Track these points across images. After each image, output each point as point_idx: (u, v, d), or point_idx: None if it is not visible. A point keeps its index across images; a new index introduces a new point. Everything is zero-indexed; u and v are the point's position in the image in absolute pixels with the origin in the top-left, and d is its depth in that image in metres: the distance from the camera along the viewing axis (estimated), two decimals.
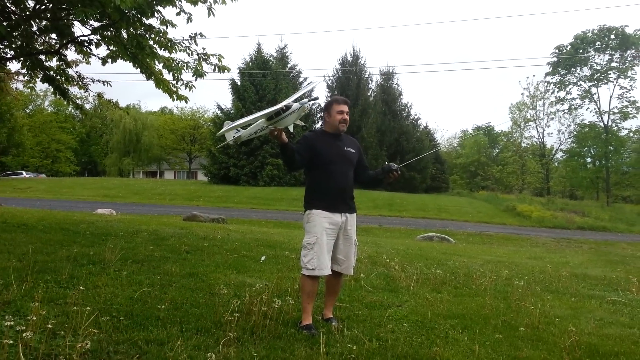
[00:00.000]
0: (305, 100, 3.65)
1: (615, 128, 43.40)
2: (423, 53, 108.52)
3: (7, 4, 6.95)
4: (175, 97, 7.74)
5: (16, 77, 10.05)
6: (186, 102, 8.01)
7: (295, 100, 3.60)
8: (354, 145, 3.94)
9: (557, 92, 46.78)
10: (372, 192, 30.37)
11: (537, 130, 52.94)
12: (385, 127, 39.33)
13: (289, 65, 39.77)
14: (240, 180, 34.12)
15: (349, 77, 40.27)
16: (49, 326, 2.74)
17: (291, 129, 3.66)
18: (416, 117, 43.87)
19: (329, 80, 40.95)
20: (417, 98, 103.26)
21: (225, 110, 36.99)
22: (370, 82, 42.36)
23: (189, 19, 6.76)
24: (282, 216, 19.81)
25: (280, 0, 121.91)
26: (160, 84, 7.57)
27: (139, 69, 7.24)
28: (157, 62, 7.31)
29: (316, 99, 3.91)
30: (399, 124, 40.88)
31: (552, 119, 50.21)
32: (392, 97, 42.27)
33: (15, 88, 13.62)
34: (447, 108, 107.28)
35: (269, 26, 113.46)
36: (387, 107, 41.08)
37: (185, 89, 7.69)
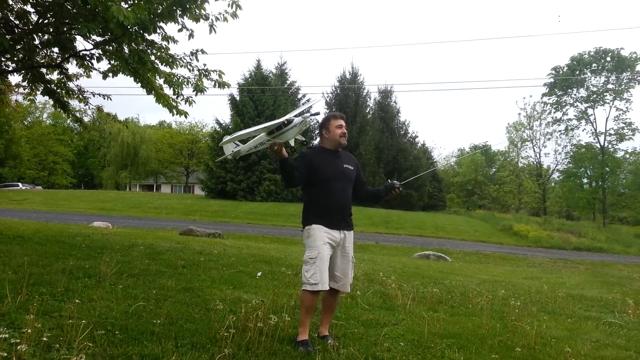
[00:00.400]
0: (307, 115, 3.67)
1: (612, 149, 43.65)
2: (421, 72, 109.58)
3: (11, 17, 7.02)
4: (175, 112, 7.78)
5: (16, 90, 10.10)
6: (186, 116, 8.05)
7: (296, 116, 3.62)
8: (351, 161, 3.95)
9: (554, 112, 47.17)
10: (369, 209, 30.37)
11: (534, 150, 53.26)
12: (383, 145, 39.50)
13: (288, 82, 40.01)
14: (238, 195, 34.06)
15: (348, 95, 40.53)
16: (44, 339, 2.73)
17: (292, 143, 3.68)
18: (414, 135, 44.23)
19: (328, 97, 41.24)
20: (415, 116, 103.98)
21: (223, 125, 37.10)
22: (368, 99, 42.67)
23: (191, 35, 6.83)
24: (279, 232, 19.76)
25: (280, 17, 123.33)
26: (161, 98, 7.61)
27: (139, 84, 7.28)
28: (158, 77, 7.37)
29: (317, 114, 3.94)
30: (397, 141, 41.08)
31: (549, 139, 50.61)
32: (390, 114, 42.53)
33: (15, 100, 13.65)
34: (444, 127, 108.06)
35: (269, 43, 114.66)
36: (385, 124, 41.32)
37: (185, 104, 7.73)
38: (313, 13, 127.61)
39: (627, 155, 44.74)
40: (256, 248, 10.10)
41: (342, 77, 41.48)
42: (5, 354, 2.50)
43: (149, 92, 7.58)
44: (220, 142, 3.92)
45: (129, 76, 7.15)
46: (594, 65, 43.09)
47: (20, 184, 47.77)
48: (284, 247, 11.69)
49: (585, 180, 45.72)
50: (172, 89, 7.39)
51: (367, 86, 42.35)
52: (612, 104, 43.11)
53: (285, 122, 3.57)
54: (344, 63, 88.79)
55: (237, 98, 36.30)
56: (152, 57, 7.07)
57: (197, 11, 6.46)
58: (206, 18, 6.61)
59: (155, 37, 6.96)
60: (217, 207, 29.19)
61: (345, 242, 3.74)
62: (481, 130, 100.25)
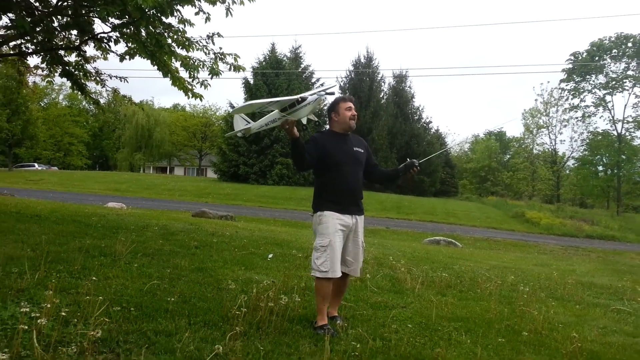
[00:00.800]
0: (322, 93, 3.66)
1: (629, 137, 42.96)
2: (436, 57, 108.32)
3: (32, 0, 7.09)
4: (191, 95, 7.86)
5: (35, 71, 10.24)
6: (201, 99, 8.12)
7: (310, 95, 3.60)
8: (362, 144, 3.93)
9: (571, 99, 46.43)
10: (380, 194, 30.38)
11: (550, 137, 52.57)
12: (397, 130, 39.31)
13: (302, 66, 39.85)
14: (250, 178, 34.28)
15: (362, 79, 40.28)
16: (63, 314, 2.83)
17: (304, 121, 3.67)
18: (427, 120, 43.89)
19: (342, 81, 41.06)
20: (429, 102, 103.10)
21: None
22: (382, 84, 42.39)
23: (208, 19, 6.85)
24: (290, 215, 19.89)
25: (296, 1, 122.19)
26: (177, 81, 7.69)
27: (156, 67, 7.34)
28: (174, 60, 7.43)
29: (332, 93, 3.91)
30: (410, 127, 40.85)
31: (565, 126, 49.82)
32: (404, 99, 42.25)
33: (33, 82, 13.82)
34: (458, 112, 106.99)
35: (284, 26, 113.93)
36: (398, 109, 41.06)
37: (201, 87, 7.79)
38: None
39: None
40: (267, 231, 10.21)
41: (357, 61, 41.22)
42: (26, 327, 2.61)
43: (165, 75, 7.66)
44: (232, 110, 3.88)
45: (146, 59, 7.22)
46: (614, 51, 42.20)
47: (36, 165, 48.47)
48: (295, 231, 11.80)
49: (600, 168, 45.15)
50: (188, 72, 7.45)
51: (381, 70, 42.28)
52: (632, 90, 42.33)
53: (300, 99, 3.57)
54: (359, 47, 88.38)
55: (251, 82, 36.31)
56: (169, 41, 7.12)
57: None
58: (223, 1, 6.62)
59: (172, 21, 7.01)
60: (230, 190, 29.41)
61: (357, 227, 3.75)
62: (496, 117, 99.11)
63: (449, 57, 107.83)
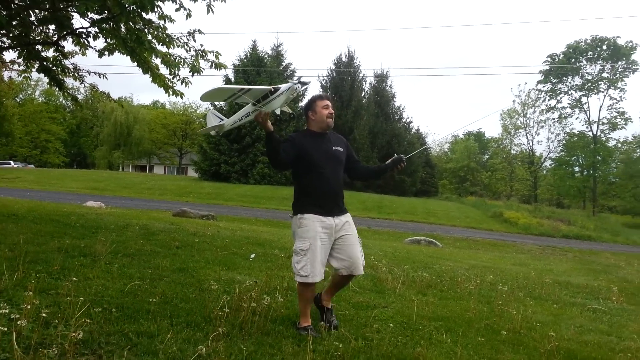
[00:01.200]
0: (295, 81, 3.63)
1: (604, 138, 43.97)
2: (417, 57, 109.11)
3: None
4: (171, 92, 7.78)
5: (11, 66, 10.02)
6: (182, 97, 8.05)
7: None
8: (341, 142, 3.84)
9: (548, 100, 47.34)
10: (362, 193, 30.51)
11: (527, 138, 53.53)
12: (378, 129, 39.51)
13: (284, 64, 39.76)
14: (231, 177, 34.08)
15: (343, 78, 40.37)
16: (43, 315, 2.79)
17: (278, 112, 3.62)
18: (408, 120, 44.24)
19: (323, 80, 41.06)
20: (410, 101, 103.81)
21: (218, 106, 36.93)
22: (364, 83, 42.54)
23: (189, 15, 6.79)
24: (272, 215, 19.85)
25: None
26: (157, 78, 7.60)
27: (135, 63, 7.25)
28: (154, 57, 7.34)
29: (308, 82, 3.85)
30: (391, 126, 41.12)
31: (542, 127, 50.94)
32: (385, 99, 42.49)
33: (9, 77, 13.53)
34: (438, 112, 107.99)
35: (265, 24, 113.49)
36: (379, 109, 41.29)
37: (182, 84, 7.73)
38: None
39: (619, 145, 45.12)
40: (249, 230, 10.17)
41: (339, 60, 41.27)
42: (5, 329, 2.56)
43: (145, 72, 7.56)
44: (200, 96, 3.65)
45: (125, 55, 7.12)
46: (589, 53, 43.20)
47: (12, 162, 47.43)
48: (276, 230, 11.78)
49: (576, 169, 46.14)
50: (168, 69, 7.38)
51: (363, 70, 42.22)
52: (606, 92, 43.34)
53: (272, 89, 3.52)
54: (340, 46, 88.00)
55: (232, 79, 36.10)
56: (150, 37, 7.04)
57: None
58: None
59: (152, 17, 6.92)
60: (211, 189, 29.20)
61: (342, 226, 3.65)
62: (476, 117, 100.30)
63: (430, 57, 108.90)
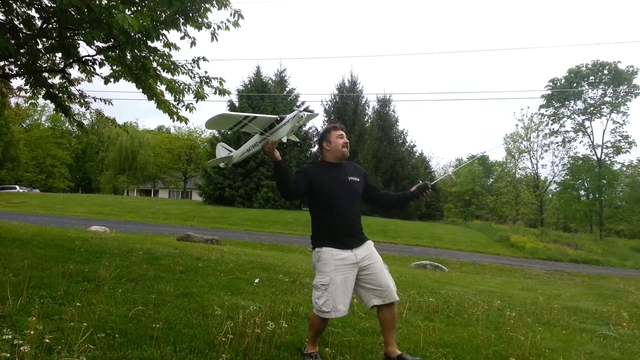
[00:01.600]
0: (301, 109, 3.64)
1: (609, 162, 43.86)
2: (420, 81, 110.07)
3: (16, 22, 7.09)
4: (176, 118, 7.87)
5: (18, 93, 10.16)
6: (186, 122, 8.15)
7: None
8: (358, 172, 3.74)
9: (551, 124, 47.42)
10: (366, 217, 30.37)
11: (531, 162, 53.48)
12: (381, 154, 39.65)
13: (287, 89, 40.19)
14: (235, 201, 34.12)
15: (346, 103, 40.72)
16: (46, 341, 2.76)
17: (284, 140, 3.62)
18: (412, 144, 44.45)
19: (327, 105, 41.44)
20: (413, 125, 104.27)
21: (222, 131, 37.22)
22: (367, 108, 42.89)
23: (193, 43, 6.90)
24: (276, 239, 19.78)
25: (281, 24, 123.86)
26: (162, 104, 7.70)
27: (141, 90, 7.35)
28: (159, 84, 7.45)
29: (311, 111, 3.83)
30: (395, 150, 41.27)
31: (546, 150, 50.85)
32: (388, 123, 42.75)
33: (16, 103, 13.72)
34: (442, 136, 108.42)
35: (269, 49, 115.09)
36: (383, 133, 41.49)
37: (186, 110, 7.81)
38: (314, 20, 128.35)
39: (624, 168, 44.99)
40: (253, 255, 10.12)
41: (342, 85, 41.73)
42: (8, 355, 2.54)
43: (150, 98, 7.66)
44: (205, 122, 3.58)
45: (131, 82, 7.23)
46: (591, 77, 43.42)
47: (18, 187, 47.70)
48: (281, 255, 11.72)
49: (582, 193, 45.92)
50: (173, 95, 7.47)
51: (366, 95, 42.70)
52: (609, 116, 43.40)
53: (278, 118, 3.53)
54: (343, 71, 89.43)
55: (237, 104, 36.46)
56: (155, 64, 7.15)
57: (200, 20, 6.53)
58: (208, 26, 6.68)
59: (157, 44, 7.05)
60: (215, 213, 29.20)
61: (366, 256, 3.52)
62: (479, 141, 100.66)
63: (432, 82, 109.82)
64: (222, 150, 4.14)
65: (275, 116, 3.56)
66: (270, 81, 38.58)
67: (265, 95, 35.97)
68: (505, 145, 53.64)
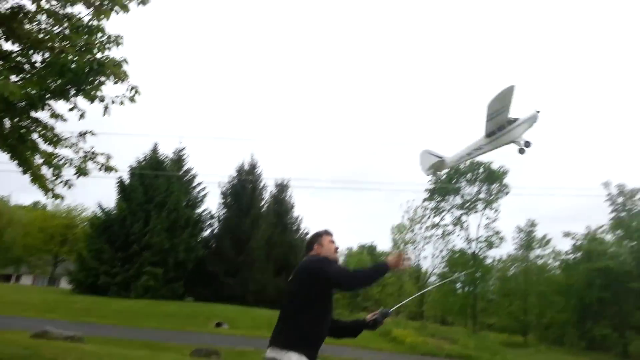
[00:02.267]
0: (535, 110, 3.44)
1: (482, 256, 47.39)
2: (316, 168, 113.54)
3: None
4: (51, 195, 7.17)
5: None
6: (62, 200, 7.47)
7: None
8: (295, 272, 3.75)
9: (433, 217, 50.74)
10: (253, 309, 29.30)
11: (414, 253, 56.10)
12: (275, 240, 39.21)
13: (184, 168, 39.15)
14: (110, 290, 31.01)
15: (244, 186, 40.44)
16: None
17: (521, 142, 3.36)
18: (305, 231, 44.57)
19: (224, 187, 40.61)
20: (308, 212, 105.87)
21: (106, 210, 34.81)
22: (264, 192, 42.81)
23: (82, 116, 6.51)
24: (150, 335, 17.97)
25: (180, 103, 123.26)
26: (37, 179, 7.00)
27: (16, 162, 6.67)
28: (37, 157, 6.83)
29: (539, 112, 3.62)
30: (288, 237, 41.09)
31: (428, 242, 53.79)
32: (284, 209, 42.76)
33: None
34: (333, 224, 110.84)
35: (169, 127, 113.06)
36: (278, 219, 41.29)
37: (64, 186, 7.17)
38: (218, 99, 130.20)
39: (495, 262, 48.79)
40: (120, 356, 9.00)
41: (241, 167, 41.42)
42: None
43: (24, 172, 6.96)
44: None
45: (5, 152, 6.55)
46: (468, 175, 47.90)
47: None
48: (152, 355, 10.58)
49: (458, 285, 48.62)
50: (51, 169, 6.85)
51: (264, 179, 42.74)
52: (483, 212, 47.61)
53: (511, 119, 3.30)
54: (243, 154, 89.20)
55: (127, 182, 34.69)
56: (35, 135, 6.59)
57: (93, 92, 6.23)
58: (102, 100, 6.38)
59: (43, 114, 6.56)
60: (84, 304, 26.24)
61: None
62: (369, 231, 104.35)
63: (330, 169, 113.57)
64: (428, 157, 3.76)
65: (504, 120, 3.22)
66: (167, 159, 37.48)
67: (160, 174, 34.67)
68: (392, 235, 56.17)
